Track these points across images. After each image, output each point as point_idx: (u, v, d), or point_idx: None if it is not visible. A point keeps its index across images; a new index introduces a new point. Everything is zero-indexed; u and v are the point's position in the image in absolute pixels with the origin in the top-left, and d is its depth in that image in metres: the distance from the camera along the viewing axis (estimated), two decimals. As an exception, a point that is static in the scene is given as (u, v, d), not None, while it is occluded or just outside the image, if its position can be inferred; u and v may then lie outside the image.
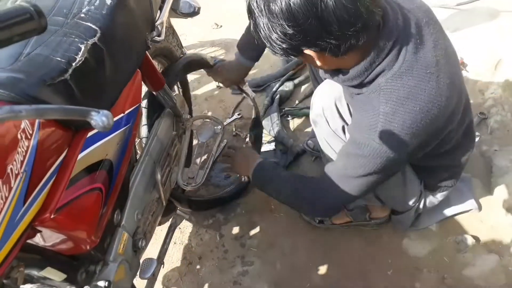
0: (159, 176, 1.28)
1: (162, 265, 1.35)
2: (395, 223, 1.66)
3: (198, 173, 1.41)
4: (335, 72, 1.09)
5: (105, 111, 0.58)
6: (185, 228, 1.83)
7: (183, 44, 1.73)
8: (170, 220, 1.45)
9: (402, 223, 1.62)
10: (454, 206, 1.65)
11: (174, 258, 1.74)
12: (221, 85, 2.21)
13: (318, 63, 1.01)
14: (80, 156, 0.84)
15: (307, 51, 0.96)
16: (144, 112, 1.43)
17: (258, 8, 0.92)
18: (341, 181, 1.17)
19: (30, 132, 0.71)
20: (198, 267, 1.70)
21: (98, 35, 0.91)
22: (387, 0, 1.02)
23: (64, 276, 0.93)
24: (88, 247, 0.91)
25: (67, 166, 0.80)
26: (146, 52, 1.16)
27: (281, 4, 0.87)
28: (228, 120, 2.36)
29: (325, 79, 1.25)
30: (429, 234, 1.67)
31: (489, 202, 1.70)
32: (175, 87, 1.89)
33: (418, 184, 1.44)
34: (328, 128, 1.33)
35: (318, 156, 1.92)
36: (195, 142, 1.73)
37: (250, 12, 0.96)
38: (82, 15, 0.93)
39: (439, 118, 1.04)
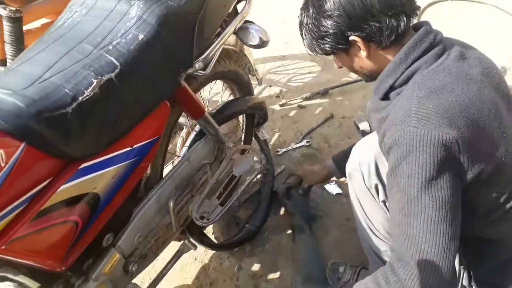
0: (171, 203, 1.27)
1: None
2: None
3: (215, 210, 1.36)
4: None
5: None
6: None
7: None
8: (179, 245, 1.45)
9: None
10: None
11: (189, 274, 1.75)
12: (303, 103, 2.50)
13: (364, 53, 1.05)
14: (62, 187, 0.86)
15: (353, 37, 1.02)
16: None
17: (310, 15, 1.07)
18: (405, 219, 0.92)
19: (3, 161, 0.73)
20: (206, 292, 1.68)
21: (116, 71, 0.91)
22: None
23: (38, 284, 0.98)
24: (55, 270, 0.94)
25: (41, 198, 0.82)
26: (184, 83, 1.13)
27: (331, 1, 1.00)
28: (294, 146, 2.27)
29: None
30: None
31: None
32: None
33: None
34: (363, 183, 1.23)
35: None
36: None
37: (301, 24, 1.12)
38: (110, 47, 0.94)
39: (481, 122, 0.95)
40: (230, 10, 1.31)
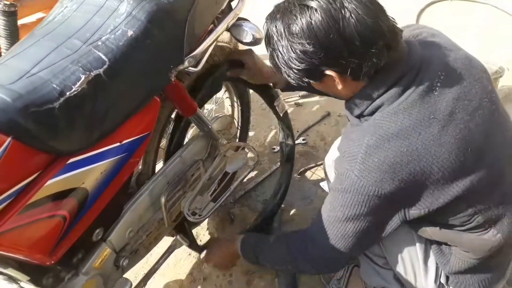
0: (163, 199, 1.28)
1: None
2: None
3: (207, 206, 1.37)
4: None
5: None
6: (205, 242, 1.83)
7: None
8: (171, 241, 1.45)
9: None
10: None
11: (182, 270, 1.76)
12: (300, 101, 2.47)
13: (339, 86, 1.00)
14: (50, 182, 0.87)
15: (329, 72, 0.96)
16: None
17: (277, 32, 0.97)
18: (329, 225, 1.10)
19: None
20: (199, 287, 1.69)
21: (105, 66, 0.92)
22: (411, 41, 1.02)
23: (27, 277, 0.99)
24: (43, 263, 0.94)
25: (28, 192, 0.83)
26: (175, 80, 1.14)
27: (302, 23, 0.91)
28: (290, 144, 2.27)
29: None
30: None
31: None
32: (235, 103, 1.87)
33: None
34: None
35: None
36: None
37: (268, 38, 1.01)
38: (99, 43, 0.94)
39: (434, 171, 0.94)
40: (223, 7, 1.31)
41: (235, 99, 1.83)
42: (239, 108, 1.86)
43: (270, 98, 1.73)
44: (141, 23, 0.98)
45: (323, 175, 2.03)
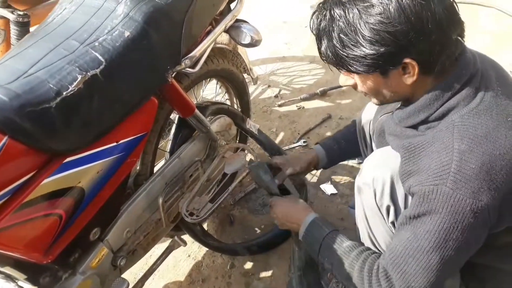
0: (161, 199, 1.28)
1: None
2: None
3: (205, 207, 1.37)
4: (401, 108, 1.01)
5: None
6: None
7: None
8: (169, 242, 1.46)
9: None
10: None
11: (181, 271, 1.76)
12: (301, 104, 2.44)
13: (410, 80, 0.91)
14: (46, 181, 0.88)
15: (409, 60, 0.87)
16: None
17: (348, 15, 0.88)
18: (407, 258, 0.94)
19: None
20: (197, 289, 1.70)
21: (101, 67, 0.93)
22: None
23: (24, 276, 0.99)
24: (39, 262, 0.95)
25: (24, 191, 0.84)
26: (172, 81, 1.14)
27: (389, 3, 0.83)
28: (291, 145, 2.28)
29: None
30: None
31: None
32: (235, 105, 1.88)
33: None
34: (373, 201, 1.14)
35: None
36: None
37: (328, 26, 0.91)
38: (96, 43, 0.95)
39: None
40: (221, 9, 1.32)
41: (234, 100, 1.83)
42: (239, 109, 1.87)
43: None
44: (138, 24, 0.99)
45: (323, 178, 2.03)
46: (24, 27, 1.34)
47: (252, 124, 1.65)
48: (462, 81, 0.91)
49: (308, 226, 1.21)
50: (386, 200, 1.10)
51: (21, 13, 1.30)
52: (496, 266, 1.10)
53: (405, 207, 1.06)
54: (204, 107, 1.45)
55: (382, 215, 1.13)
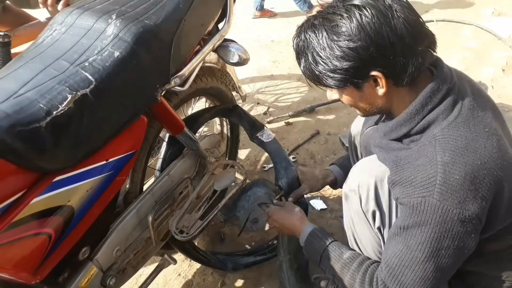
0: (150, 217, 1.28)
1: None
2: None
3: (195, 224, 1.37)
4: (384, 121, 1.05)
5: None
6: (195, 262, 1.82)
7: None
8: (159, 261, 1.45)
9: None
10: None
11: (172, 290, 1.75)
12: (290, 120, 2.51)
13: (381, 91, 0.96)
14: (36, 200, 0.88)
15: (376, 73, 0.93)
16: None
17: (318, 36, 0.95)
18: (403, 270, 0.97)
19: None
20: (188, 308, 1.68)
21: (91, 86, 0.94)
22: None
23: (11, 293, 0.98)
24: (28, 282, 0.94)
25: (13, 210, 0.83)
26: (161, 99, 1.16)
27: (351, 21, 0.90)
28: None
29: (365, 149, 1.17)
30: None
31: None
32: (224, 122, 1.90)
33: None
34: (359, 207, 1.18)
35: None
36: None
37: (303, 47, 0.98)
38: (86, 63, 0.97)
39: (503, 185, 0.91)
40: (209, 29, 1.35)
41: (224, 117, 1.85)
42: (228, 126, 1.89)
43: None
44: (127, 45, 1.01)
45: (312, 194, 2.04)
46: (5, 47, 1.35)
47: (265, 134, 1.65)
48: (440, 95, 0.95)
49: (308, 237, 1.25)
50: (372, 205, 1.14)
51: (1, 33, 1.31)
52: (483, 272, 1.13)
53: (389, 211, 1.11)
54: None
55: (368, 221, 1.17)
